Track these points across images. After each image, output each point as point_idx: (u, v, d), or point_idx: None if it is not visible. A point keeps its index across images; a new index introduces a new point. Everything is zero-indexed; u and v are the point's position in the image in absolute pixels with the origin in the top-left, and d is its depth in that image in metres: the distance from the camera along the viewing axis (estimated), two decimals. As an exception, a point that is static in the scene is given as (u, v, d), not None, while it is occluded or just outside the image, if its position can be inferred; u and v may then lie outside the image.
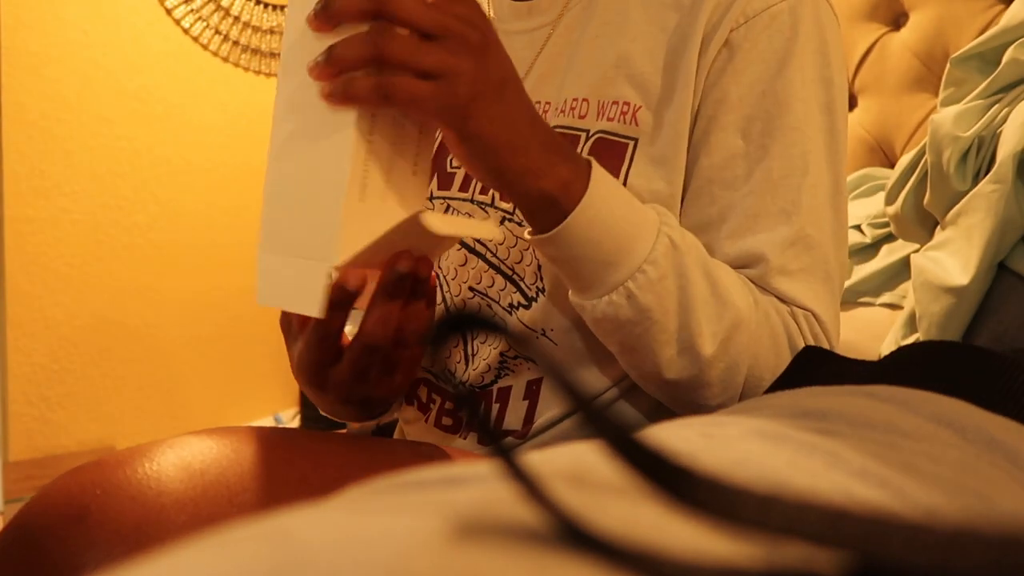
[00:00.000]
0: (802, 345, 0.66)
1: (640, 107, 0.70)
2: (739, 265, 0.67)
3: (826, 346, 0.68)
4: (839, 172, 0.71)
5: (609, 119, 0.70)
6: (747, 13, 0.68)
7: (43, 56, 2.05)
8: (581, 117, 0.71)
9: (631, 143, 0.70)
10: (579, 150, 0.70)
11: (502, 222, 0.73)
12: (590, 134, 0.70)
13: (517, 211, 0.72)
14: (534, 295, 0.72)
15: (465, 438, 0.77)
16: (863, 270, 1.31)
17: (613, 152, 0.70)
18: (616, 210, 0.59)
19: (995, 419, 0.31)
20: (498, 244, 0.74)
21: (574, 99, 0.72)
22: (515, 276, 0.73)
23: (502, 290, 0.74)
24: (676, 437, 0.27)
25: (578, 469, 0.22)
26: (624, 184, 0.69)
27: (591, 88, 0.72)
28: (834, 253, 0.69)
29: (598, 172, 0.59)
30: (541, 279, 0.71)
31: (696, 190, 0.69)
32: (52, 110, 2.06)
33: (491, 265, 0.74)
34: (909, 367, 0.43)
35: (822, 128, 0.69)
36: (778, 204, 0.67)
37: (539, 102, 0.74)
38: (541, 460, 0.23)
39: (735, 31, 0.68)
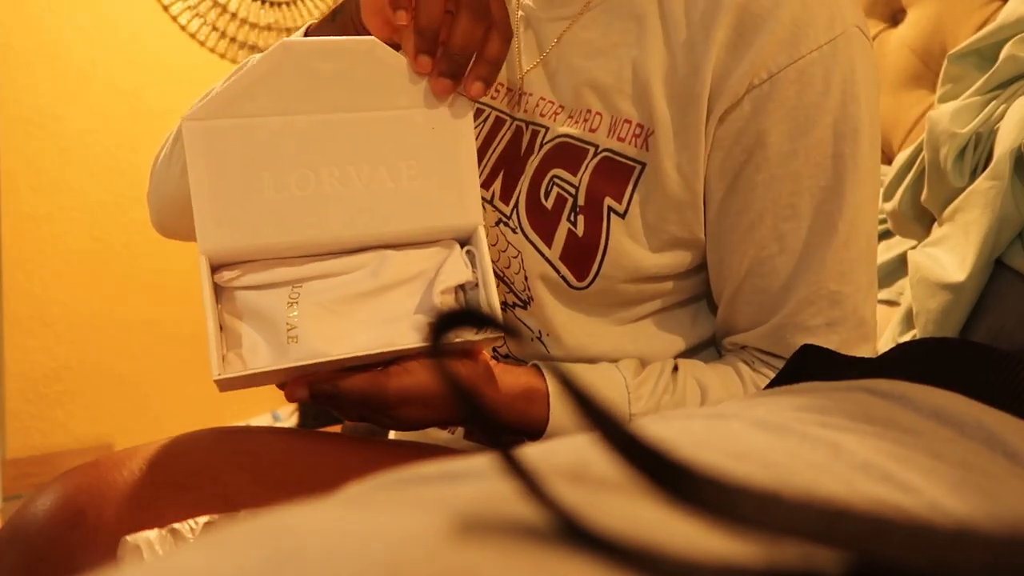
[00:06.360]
0: None
1: (652, 131, 0.66)
2: (758, 320, 0.69)
3: None
4: (869, 221, 0.68)
5: (620, 138, 0.68)
6: (771, 68, 0.63)
7: (40, 53, 2.04)
8: (592, 131, 0.69)
9: (638, 167, 0.67)
10: (585, 164, 0.68)
11: (496, 224, 0.72)
12: (598, 150, 0.68)
13: (513, 216, 0.71)
14: (527, 299, 0.72)
15: (452, 433, 0.77)
16: (861, 266, 1.31)
17: (619, 175, 0.67)
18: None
19: (995, 414, 0.31)
20: (490, 245, 0.72)
21: (587, 110, 0.69)
22: (506, 279, 0.72)
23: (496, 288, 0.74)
24: (680, 429, 0.27)
25: (577, 465, 0.22)
26: (626, 210, 0.67)
27: (605, 101, 0.69)
28: (865, 305, 0.68)
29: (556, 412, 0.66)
30: (529, 289, 0.71)
31: (728, 243, 0.68)
32: (49, 107, 2.06)
33: None
34: (907, 364, 0.42)
35: (857, 182, 0.66)
36: (805, 263, 0.66)
37: (544, 99, 0.72)
38: (540, 455, 0.23)
39: (758, 87, 0.63)
